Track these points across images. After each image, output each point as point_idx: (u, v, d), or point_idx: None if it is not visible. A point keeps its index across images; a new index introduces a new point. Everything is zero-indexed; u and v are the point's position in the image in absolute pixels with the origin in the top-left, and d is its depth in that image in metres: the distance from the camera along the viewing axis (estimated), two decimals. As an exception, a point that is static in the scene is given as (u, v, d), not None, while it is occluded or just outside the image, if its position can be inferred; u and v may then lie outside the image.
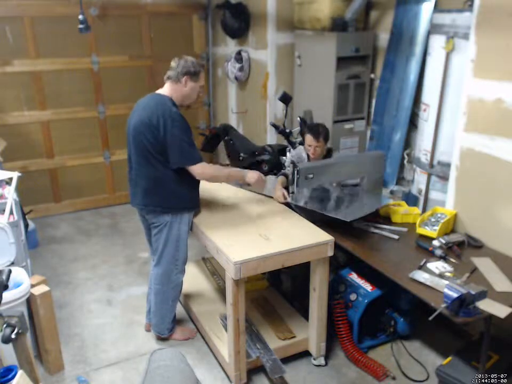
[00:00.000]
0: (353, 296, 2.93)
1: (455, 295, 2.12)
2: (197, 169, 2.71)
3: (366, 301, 2.87)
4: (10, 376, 1.86)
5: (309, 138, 3.18)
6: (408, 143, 3.70)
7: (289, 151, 3.68)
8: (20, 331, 1.99)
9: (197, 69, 2.74)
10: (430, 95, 3.18)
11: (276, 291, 3.41)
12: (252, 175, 2.90)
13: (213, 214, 2.99)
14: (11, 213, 2.79)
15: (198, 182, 2.91)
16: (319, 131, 3.17)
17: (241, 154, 4.26)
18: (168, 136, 2.63)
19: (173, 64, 2.75)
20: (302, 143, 3.59)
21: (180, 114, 2.69)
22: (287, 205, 3.10)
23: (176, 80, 2.72)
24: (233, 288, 2.49)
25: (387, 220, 3.11)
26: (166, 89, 2.77)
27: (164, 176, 2.74)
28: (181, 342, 3.12)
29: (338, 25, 3.81)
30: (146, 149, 2.70)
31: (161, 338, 3.12)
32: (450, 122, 3.03)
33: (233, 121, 5.27)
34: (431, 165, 3.19)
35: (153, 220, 2.87)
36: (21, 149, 4.74)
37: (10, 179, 3.16)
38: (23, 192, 3.76)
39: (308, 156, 3.30)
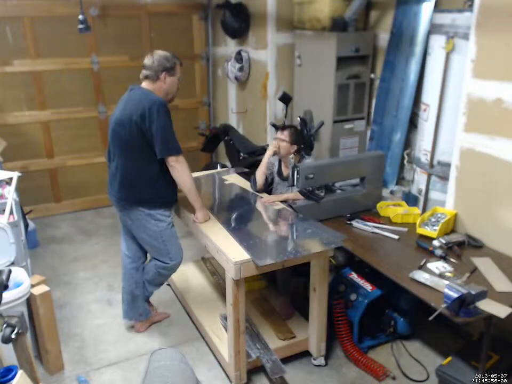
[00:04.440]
0: (353, 296, 2.93)
1: (455, 295, 2.12)
2: (175, 160, 2.69)
3: (366, 301, 2.87)
4: (10, 376, 1.85)
5: (277, 133, 3.31)
6: (408, 143, 3.69)
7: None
8: (19, 331, 1.99)
9: (172, 63, 2.75)
10: (430, 95, 3.17)
11: (274, 290, 3.40)
12: (201, 215, 2.85)
13: (212, 214, 2.99)
14: (11, 213, 2.78)
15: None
16: (285, 127, 3.30)
17: (241, 154, 4.26)
18: (154, 126, 2.62)
19: (147, 62, 2.74)
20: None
21: (166, 104, 2.70)
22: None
23: (155, 78, 2.74)
24: (233, 288, 2.49)
25: (387, 219, 3.11)
26: (146, 87, 2.78)
27: (144, 169, 2.74)
28: (181, 342, 3.12)
29: (338, 25, 3.80)
30: (130, 141, 2.69)
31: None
32: (450, 122, 3.02)
33: (233, 121, 5.27)
34: (431, 165, 3.19)
35: (126, 218, 2.91)
36: (21, 149, 4.74)
37: (10, 179, 3.16)
38: (23, 192, 3.76)
39: (280, 162, 3.36)
